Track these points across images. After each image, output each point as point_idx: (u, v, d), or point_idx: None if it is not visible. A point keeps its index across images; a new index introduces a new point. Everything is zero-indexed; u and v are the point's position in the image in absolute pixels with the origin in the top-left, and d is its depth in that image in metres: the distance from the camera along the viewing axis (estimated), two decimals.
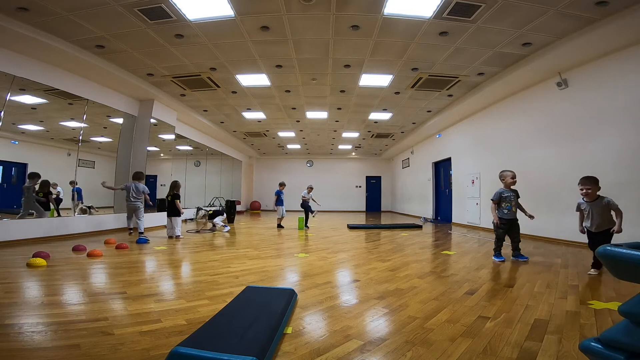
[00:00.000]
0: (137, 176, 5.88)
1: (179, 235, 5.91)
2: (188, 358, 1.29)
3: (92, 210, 6.54)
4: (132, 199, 5.78)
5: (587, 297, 2.43)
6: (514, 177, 4.12)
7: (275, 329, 1.62)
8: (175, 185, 6.07)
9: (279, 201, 8.23)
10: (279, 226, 8.12)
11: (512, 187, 4.12)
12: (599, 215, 3.19)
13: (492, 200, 4.12)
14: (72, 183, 6.16)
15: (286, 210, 8.57)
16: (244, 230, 7.73)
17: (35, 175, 5.59)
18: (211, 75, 6.38)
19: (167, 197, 6.10)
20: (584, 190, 3.23)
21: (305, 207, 8.21)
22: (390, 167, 17.74)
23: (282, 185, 8.58)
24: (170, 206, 5.96)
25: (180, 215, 5.96)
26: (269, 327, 1.62)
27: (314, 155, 17.40)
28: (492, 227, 7.37)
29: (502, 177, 4.21)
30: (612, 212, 3.14)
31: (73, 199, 6.22)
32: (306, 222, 8.00)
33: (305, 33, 4.75)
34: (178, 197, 5.98)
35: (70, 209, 6.20)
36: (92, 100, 6.19)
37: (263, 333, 1.54)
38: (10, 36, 4.33)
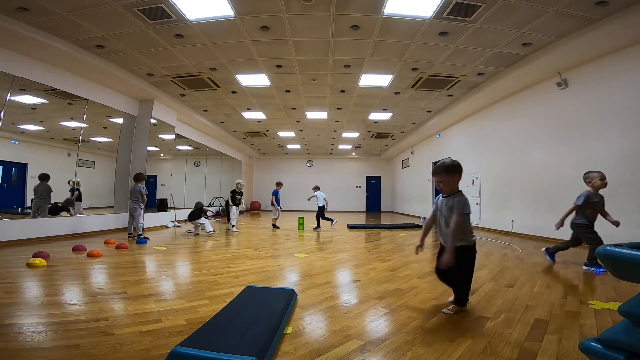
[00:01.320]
0: (135, 178, 5.84)
1: (212, 231, 6.60)
2: (188, 358, 1.29)
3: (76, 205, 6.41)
4: (130, 202, 5.77)
5: (587, 297, 2.43)
6: (603, 178, 3.41)
7: (275, 329, 1.62)
8: (200, 207, 6.84)
9: (277, 201, 8.21)
10: (274, 226, 8.08)
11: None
12: (445, 219, 2.12)
13: (577, 204, 3.44)
14: (71, 182, 6.15)
15: (282, 211, 8.52)
16: (244, 230, 7.73)
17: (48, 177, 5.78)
18: (211, 75, 6.38)
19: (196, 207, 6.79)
20: (436, 184, 2.25)
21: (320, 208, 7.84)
22: (390, 167, 17.74)
23: (279, 184, 8.55)
24: (195, 215, 6.71)
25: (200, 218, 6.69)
26: (269, 327, 1.62)
27: (314, 155, 17.39)
28: (493, 226, 7.45)
29: (588, 179, 3.50)
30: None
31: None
32: (318, 224, 7.72)
33: (305, 33, 4.75)
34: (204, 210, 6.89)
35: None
36: (92, 100, 6.18)
37: (263, 333, 1.54)
38: (10, 36, 4.33)
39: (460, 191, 2.17)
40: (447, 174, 2.17)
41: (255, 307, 1.91)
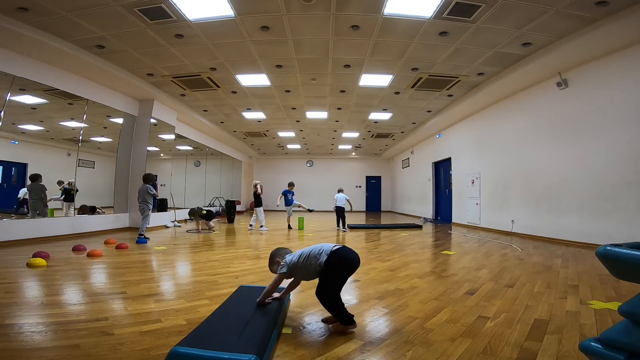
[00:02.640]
0: (143, 178, 5.80)
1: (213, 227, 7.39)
2: (188, 357, 1.29)
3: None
4: (139, 203, 5.77)
5: (587, 297, 2.43)
6: None
7: (271, 327, 1.62)
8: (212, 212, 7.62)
9: (287, 201, 8.15)
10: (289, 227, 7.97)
11: None
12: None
13: None
14: (60, 182, 6.09)
15: (280, 211, 8.53)
16: (244, 230, 7.73)
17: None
18: (211, 75, 6.37)
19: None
20: None
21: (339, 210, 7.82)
22: (390, 167, 17.74)
23: (291, 185, 8.53)
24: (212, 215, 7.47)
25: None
26: (265, 325, 1.62)
27: (314, 155, 17.39)
28: (493, 227, 7.46)
29: None
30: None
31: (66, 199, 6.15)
32: (344, 225, 7.74)
33: (305, 33, 4.74)
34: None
35: (61, 209, 6.15)
36: (92, 100, 6.18)
37: (260, 332, 1.54)
38: (10, 36, 4.33)
39: (283, 261, 2.00)
40: (272, 266, 2.11)
41: (250, 306, 1.91)
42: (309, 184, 16.40)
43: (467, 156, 8.86)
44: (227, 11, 4.17)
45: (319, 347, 1.61)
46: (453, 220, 9.60)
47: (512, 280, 2.99)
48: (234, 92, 7.46)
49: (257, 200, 7.72)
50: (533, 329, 1.82)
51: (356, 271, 3.42)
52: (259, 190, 7.74)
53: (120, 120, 7.18)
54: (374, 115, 9.39)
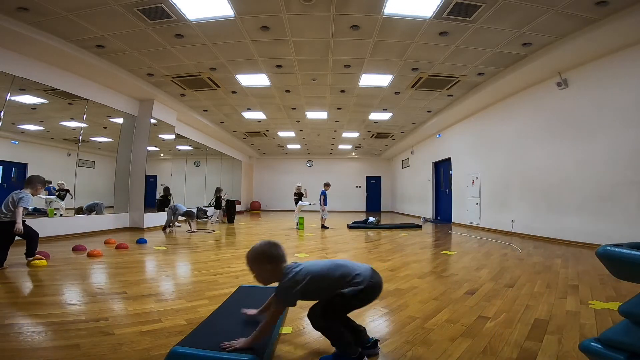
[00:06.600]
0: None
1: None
2: (188, 357, 1.29)
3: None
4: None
5: (587, 297, 2.43)
6: None
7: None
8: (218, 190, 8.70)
9: (325, 201, 8.39)
10: (324, 227, 8.15)
11: None
12: None
13: None
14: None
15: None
16: (244, 230, 7.73)
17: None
18: (211, 75, 6.37)
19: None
20: None
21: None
22: (390, 167, 17.74)
23: (327, 185, 8.71)
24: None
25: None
26: None
27: (314, 155, 17.39)
28: (493, 227, 7.47)
29: None
30: None
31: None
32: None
33: (305, 33, 4.75)
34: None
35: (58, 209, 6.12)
36: (92, 100, 6.18)
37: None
38: (10, 36, 4.33)
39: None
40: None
41: (249, 306, 1.90)
42: (309, 184, 16.36)
43: (467, 156, 8.87)
44: (227, 11, 4.18)
45: (319, 347, 1.61)
46: (453, 220, 9.60)
47: (512, 280, 2.99)
48: (234, 92, 7.46)
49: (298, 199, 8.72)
50: (533, 329, 1.82)
51: None
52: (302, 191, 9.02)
53: (120, 120, 7.18)
54: (374, 115, 9.39)
